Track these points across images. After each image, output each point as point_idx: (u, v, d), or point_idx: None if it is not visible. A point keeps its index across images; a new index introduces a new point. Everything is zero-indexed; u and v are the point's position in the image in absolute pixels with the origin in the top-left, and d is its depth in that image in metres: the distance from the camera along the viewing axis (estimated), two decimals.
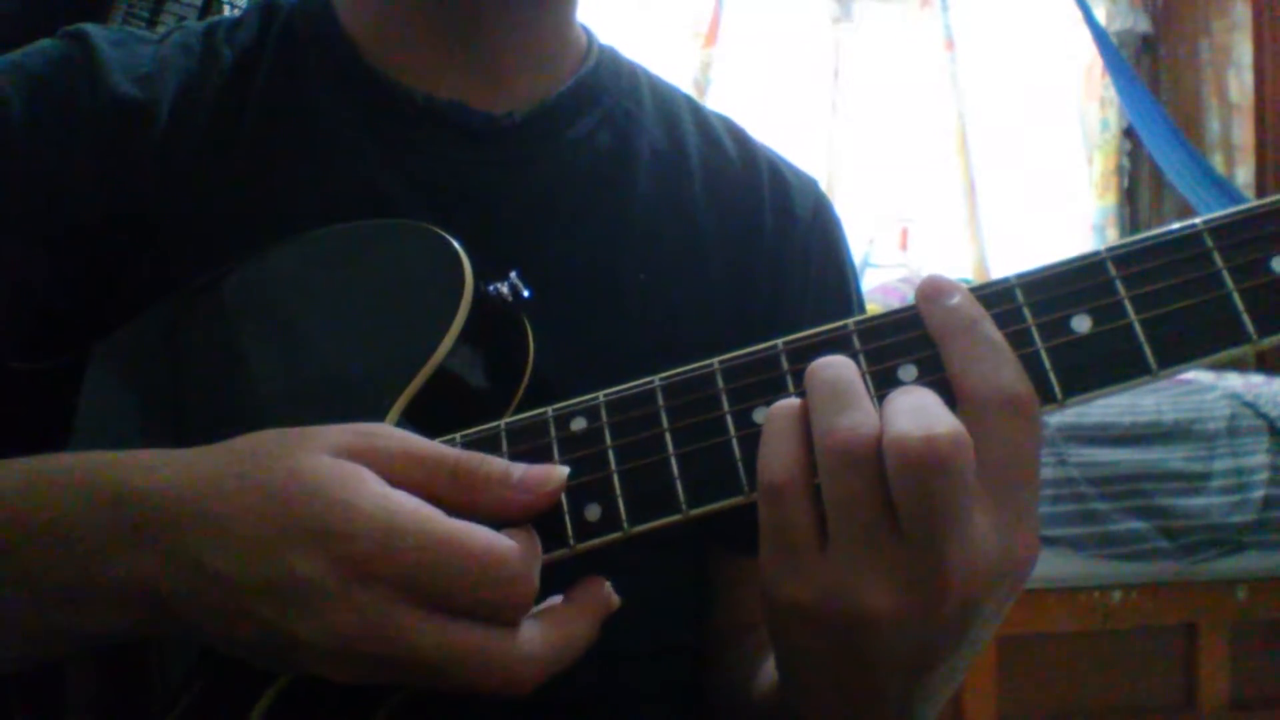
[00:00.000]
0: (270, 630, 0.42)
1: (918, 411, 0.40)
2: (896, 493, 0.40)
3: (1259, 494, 2.25)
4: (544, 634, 0.44)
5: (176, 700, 0.50)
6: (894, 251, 3.35)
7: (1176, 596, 2.29)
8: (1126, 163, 3.50)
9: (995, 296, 0.44)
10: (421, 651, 0.42)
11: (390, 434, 0.46)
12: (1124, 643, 2.34)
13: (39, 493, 0.47)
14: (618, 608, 0.47)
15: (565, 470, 0.46)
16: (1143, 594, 2.28)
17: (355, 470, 0.43)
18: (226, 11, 1.63)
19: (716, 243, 0.69)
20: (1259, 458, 2.27)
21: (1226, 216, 0.42)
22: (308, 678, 0.48)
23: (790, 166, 0.76)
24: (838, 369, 0.43)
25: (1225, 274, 0.42)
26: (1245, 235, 0.42)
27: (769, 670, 0.64)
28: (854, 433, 0.41)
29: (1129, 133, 3.42)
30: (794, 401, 0.43)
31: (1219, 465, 2.27)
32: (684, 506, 0.45)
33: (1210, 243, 0.42)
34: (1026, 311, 0.44)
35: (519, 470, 0.45)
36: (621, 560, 0.46)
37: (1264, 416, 2.31)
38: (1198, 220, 0.43)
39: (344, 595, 0.41)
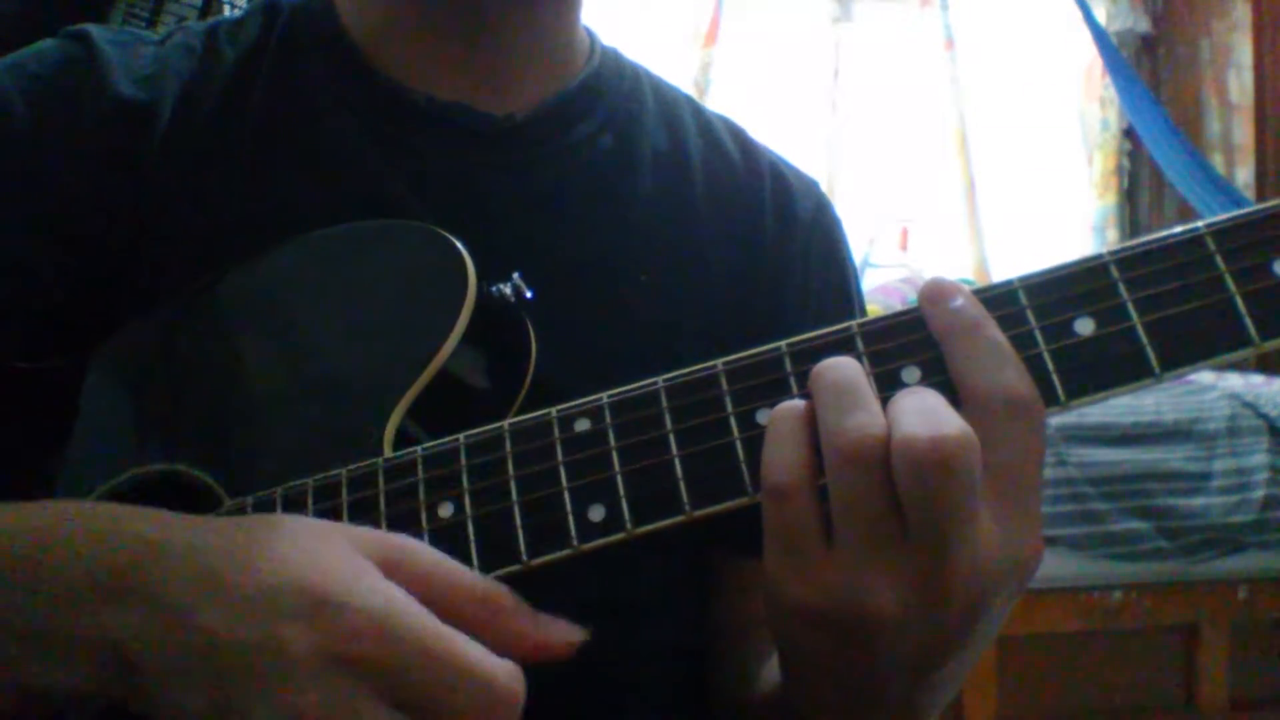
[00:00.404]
0: (226, 698, 0.40)
1: (925, 413, 0.40)
2: (903, 493, 0.40)
3: (1259, 494, 2.25)
4: None
5: None
6: (894, 251, 3.35)
7: (1176, 596, 2.29)
8: (1126, 163, 3.50)
9: (998, 299, 0.44)
10: None
11: (423, 551, 0.45)
12: (1124, 643, 2.35)
13: (26, 532, 0.46)
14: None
15: (582, 634, 0.46)
16: (1143, 594, 2.28)
17: (367, 564, 0.42)
18: (227, 11, 1.63)
19: (718, 244, 0.69)
20: (1259, 458, 2.28)
21: (1229, 220, 0.42)
22: None
23: (792, 168, 0.76)
24: (844, 370, 0.43)
25: (1228, 277, 0.42)
26: (1248, 239, 0.42)
27: (771, 670, 0.64)
28: (861, 433, 0.41)
29: (1129, 133, 3.42)
30: (798, 403, 0.43)
31: (1219, 465, 2.27)
32: (687, 508, 0.45)
33: (1213, 246, 0.42)
34: (1030, 314, 0.44)
35: (546, 616, 0.45)
36: (622, 560, 0.46)
37: (1264, 417, 2.31)
38: (1200, 224, 0.43)
39: (319, 674, 0.40)
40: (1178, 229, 0.43)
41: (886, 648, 0.42)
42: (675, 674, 0.68)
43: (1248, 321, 0.41)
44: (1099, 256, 0.44)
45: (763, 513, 0.43)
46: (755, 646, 0.67)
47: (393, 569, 0.43)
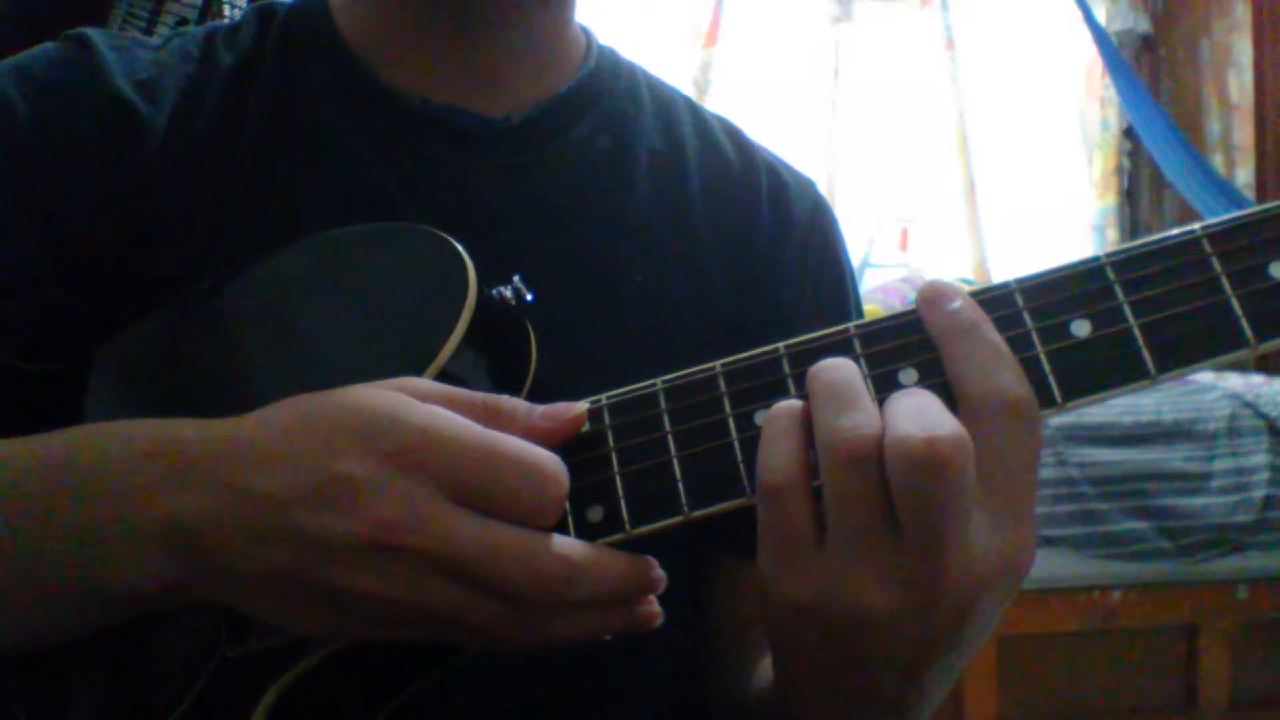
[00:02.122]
0: (306, 545, 0.43)
1: (920, 413, 0.40)
2: (897, 493, 0.40)
3: (1259, 494, 2.25)
4: (580, 546, 0.45)
5: (180, 698, 0.50)
6: (894, 251, 3.35)
7: (1176, 596, 2.29)
8: (1126, 163, 3.50)
9: (995, 301, 0.45)
10: (459, 542, 0.42)
11: (422, 380, 0.47)
12: (1124, 643, 2.35)
13: (76, 443, 0.49)
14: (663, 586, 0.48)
15: (585, 405, 0.48)
16: (1143, 594, 2.28)
17: (397, 393, 0.45)
18: (226, 12, 1.63)
19: (714, 244, 0.70)
20: (1259, 458, 2.28)
21: (1225, 222, 0.43)
22: (312, 677, 0.48)
23: (788, 168, 0.76)
24: (840, 370, 0.43)
25: (1224, 279, 0.42)
26: (1244, 241, 0.42)
27: (765, 669, 0.64)
28: (856, 433, 0.41)
29: (1129, 133, 3.42)
30: (794, 403, 0.44)
31: (1219, 465, 2.27)
32: (686, 508, 0.45)
33: (1209, 248, 0.42)
34: (1026, 316, 0.44)
35: (541, 407, 0.47)
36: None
37: (1264, 417, 2.31)
38: (1197, 226, 0.43)
39: (388, 485, 0.42)
40: (1174, 231, 0.43)
41: (878, 646, 0.43)
42: (674, 674, 0.68)
43: (1244, 323, 0.41)
44: (1095, 258, 0.44)
45: (757, 511, 0.43)
46: (751, 645, 0.67)
47: (418, 397, 0.45)
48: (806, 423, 0.43)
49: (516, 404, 0.47)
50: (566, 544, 0.44)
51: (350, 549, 0.42)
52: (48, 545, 0.46)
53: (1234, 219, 0.42)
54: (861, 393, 0.42)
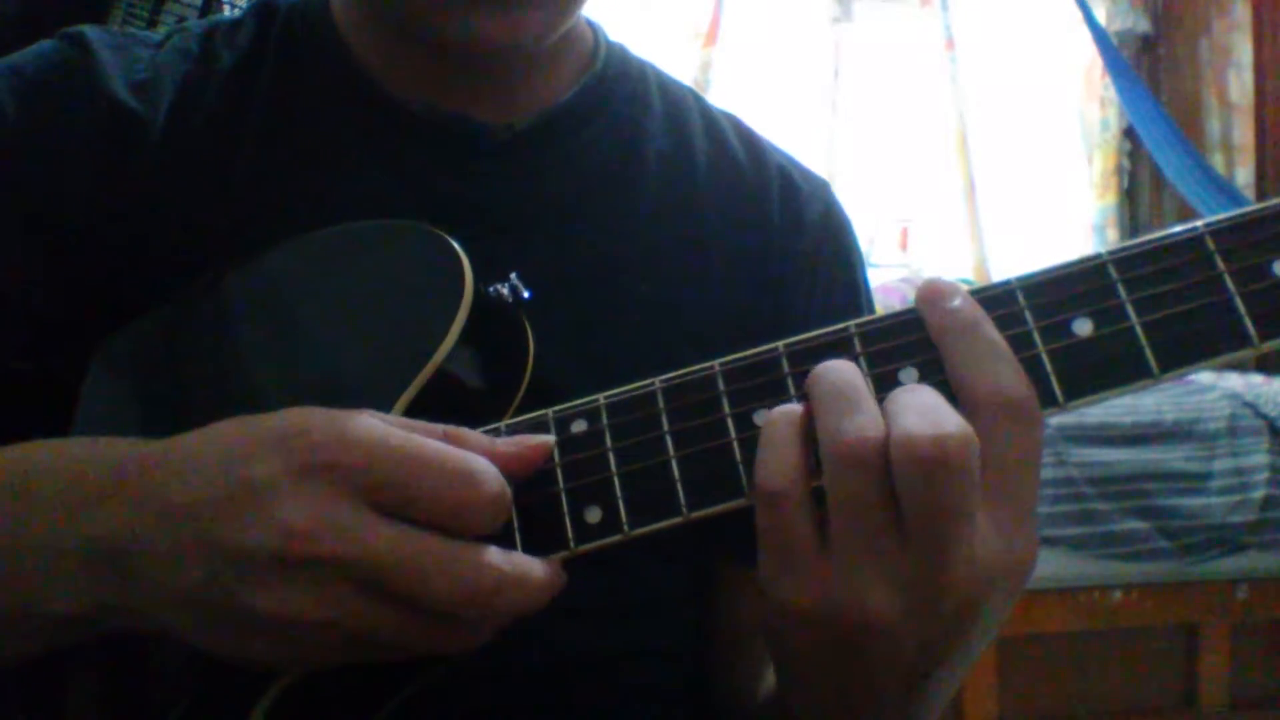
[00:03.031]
0: (218, 559, 0.41)
1: (925, 410, 0.40)
2: (902, 492, 0.40)
3: (1259, 494, 2.25)
4: (508, 555, 0.43)
5: (177, 700, 0.50)
6: (894, 251, 3.35)
7: (1176, 596, 2.29)
8: (1126, 163, 3.50)
9: (996, 299, 0.44)
10: (375, 550, 0.40)
11: (380, 413, 0.46)
12: (1124, 643, 2.35)
13: (16, 464, 0.49)
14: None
15: (549, 437, 0.46)
16: (1143, 594, 2.28)
17: (331, 409, 0.43)
18: (226, 11, 1.63)
19: (722, 249, 0.68)
20: (1259, 458, 2.28)
21: (1229, 220, 0.42)
22: (308, 679, 0.48)
23: (801, 170, 0.75)
24: (842, 373, 0.42)
25: (1227, 278, 0.41)
26: (1248, 238, 0.42)
27: (771, 675, 0.64)
28: (860, 435, 0.40)
29: (1129, 133, 3.42)
30: (793, 407, 0.43)
31: (1219, 465, 2.27)
32: (684, 509, 0.45)
33: (1212, 246, 0.42)
34: (1028, 314, 0.44)
35: (503, 437, 0.46)
36: (621, 564, 0.46)
37: (1264, 416, 2.32)
38: (1199, 223, 0.42)
39: (298, 489, 0.40)
40: (1177, 229, 0.43)
41: (882, 650, 0.42)
42: (671, 677, 0.68)
43: (1247, 322, 0.41)
44: (1097, 256, 0.43)
45: (756, 517, 0.43)
46: (758, 652, 0.66)
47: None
48: (805, 427, 0.42)
49: (476, 433, 0.45)
50: (494, 553, 0.42)
51: (260, 561, 0.40)
52: None
53: (1237, 216, 0.42)
54: (864, 394, 0.42)
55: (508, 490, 0.43)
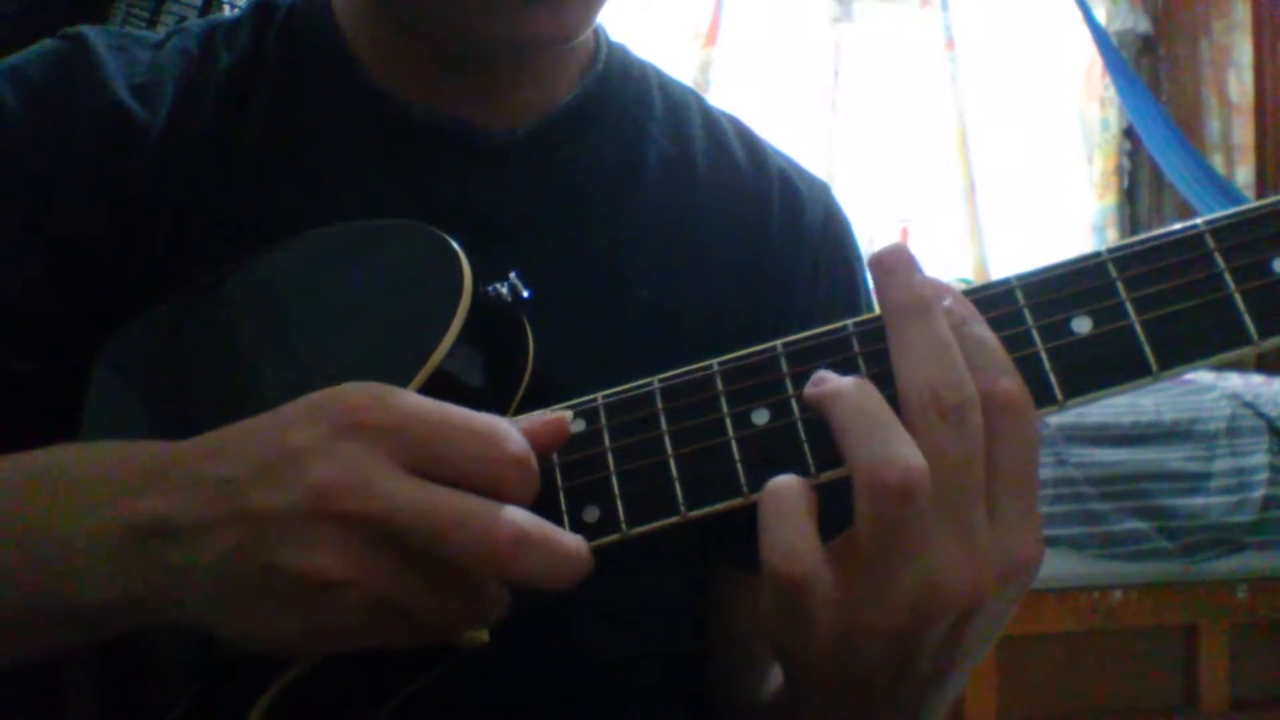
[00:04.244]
0: (252, 521, 0.41)
1: (1003, 363, 0.41)
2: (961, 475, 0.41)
3: (1259, 494, 2.26)
4: (531, 517, 0.42)
5: (176, 700, 0.50)
6: None
7: (1176, 596, 2.29)
8: (1126, 163, 3.51)
9: (995, 298, 0.44)
10: (399, 504, 0.40)
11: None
12: (1124, 643, 2.35)
13: (53, 459, 0.49)
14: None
15: (569, 413, 0.47)
16: (1143, 594, 2.28)
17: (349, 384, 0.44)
18: (227, 11, 1.63)
19: (723, 253, 0.68)
20: (1259, 458, 2.28)
21: (1228, 217, 0.42)
22: (309, 677, 0.48)
23: (801, 172, 0.74)
24: (870, 394, 0.42)
25: (1227, 275, 0.41)
26: (1247, 236, 0.42)
27: (773, 678, 0.64)
28: (907, 463, 0.40)
29: (1129, 133, 3.43)
30: (797, 481, 0.43)
31: (1219, 465, 2.28)
32: (683, 508, 0.45)
33: (1212, 244, 0.42)
34: (1027, 313, 0.43)
35: (522, 420, 0.46)
36: (620, 567, 0.46)
37: (1264, 417, 2.32)
38: (1199, 221, 0.42)
39: (333, 449, 0.41)
40: (1176, 226, 0.42)
41: (903, 655, 0.42)
42: (670, 679, 0.68)
43: (1247, 319, 0.41)
44: (1097, 254, 0.43)
45: (766, 593, 0.43)
46: (756, 655, 0.66)
47: None
48: (811, 493, 0.42)
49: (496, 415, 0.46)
50: (516, 512, 0.41)
51: (288, 520, 0.41)
52: (11, 557, 0.46)
53: (1237, 214, 0.42)
54: (897, 421, 0.41)
55: (534, 456, 0.43)
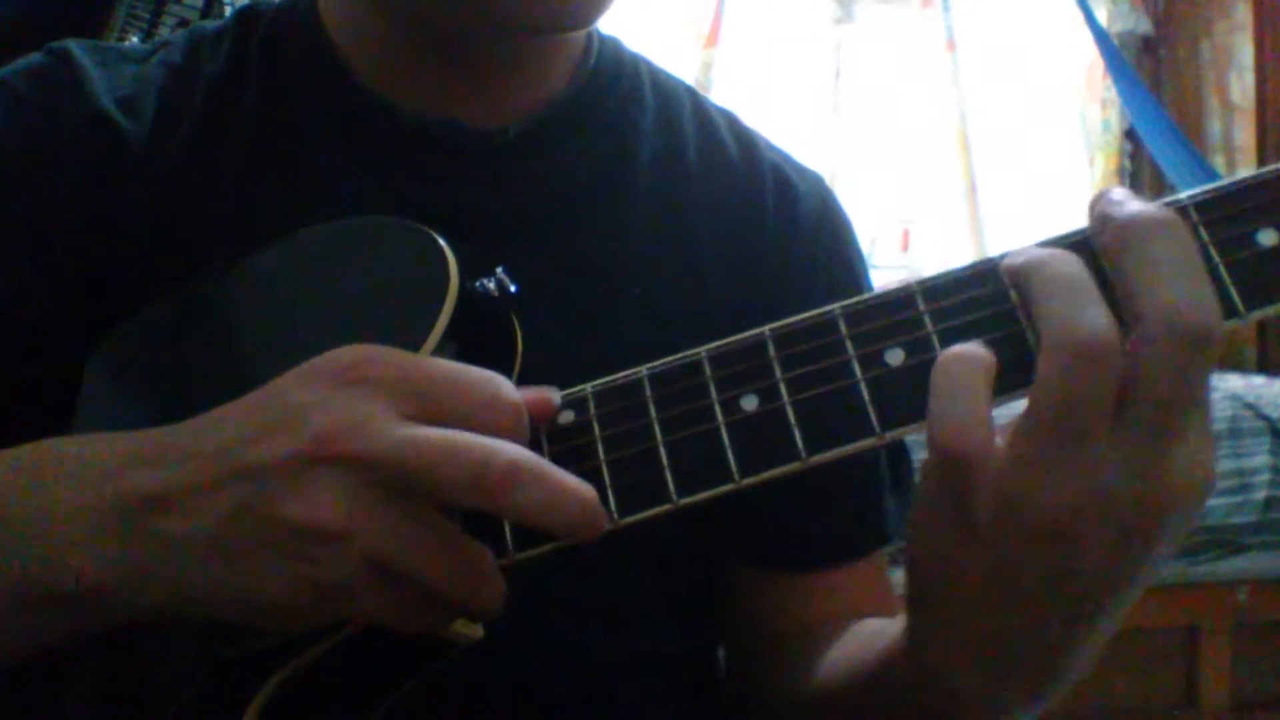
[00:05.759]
0: (254, 476, 0.42)
1: (1186, 280, 0.38)
2: (1144, 378, 0.38)
3: (1260, 495, 2.25)
4: (528, 452, 0.42)
5: (174, 699, 0.50)
6: (895, 252, 3.35)
7: (1177, 598, 2.28)
8: (1128, 164, 3.50)
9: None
10: (397, 446, 0.41)
11: None
12: (1124, 643, 2.34)
13: (49, 447, 0.49)
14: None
15: (558, 395, 0.47)
16: (1143, 595, 2.26)
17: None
18: (227, 14, 1.63)
19: (716, 249, 0.68)
20: (1260, 459, 2.27)
21: (1212, 190, 0.42)
22: (304, 675, 0.48)
23: (794, 164, 0.74)
24: (1073, 264, 0.40)
25: (1212, 249, 0.41)
26: (1231, 209, 0.41)
27: (833, 664, 0.61)
28: (1100, 326, 0.38)
29: (1130, 134, 3.42)
30: (982, 352, 0.40)
31: (1220, 466, 2.24)
32: (674, 496, 0.45)
33: (1196, 217, 0.42)
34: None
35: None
36: (621, 569, 0.45)
37: (1265, 418, 2.31)
38: (1183, 195, 0.42)
39: (333, 400, 0.42)
40: (1162, 200, 0.42)
41: (1059, 565, 0.40)
42: (671, 689, 0.67)
43: (1232, 292, 0.41)
44: (1080, 232, 0.43)
45: (936, 474, 0.41)
46: (806, 646, 0.65)
47: None
48: (990, 374, 0.40)
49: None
50: (510, 446, 0.42)
51: (292, 467, 0.41)
52: (4, 542, 0.46)
53: (1220, 187, 0.42)
54: (1096, 290, 0.40)
55: (526, 411, 0.44)
